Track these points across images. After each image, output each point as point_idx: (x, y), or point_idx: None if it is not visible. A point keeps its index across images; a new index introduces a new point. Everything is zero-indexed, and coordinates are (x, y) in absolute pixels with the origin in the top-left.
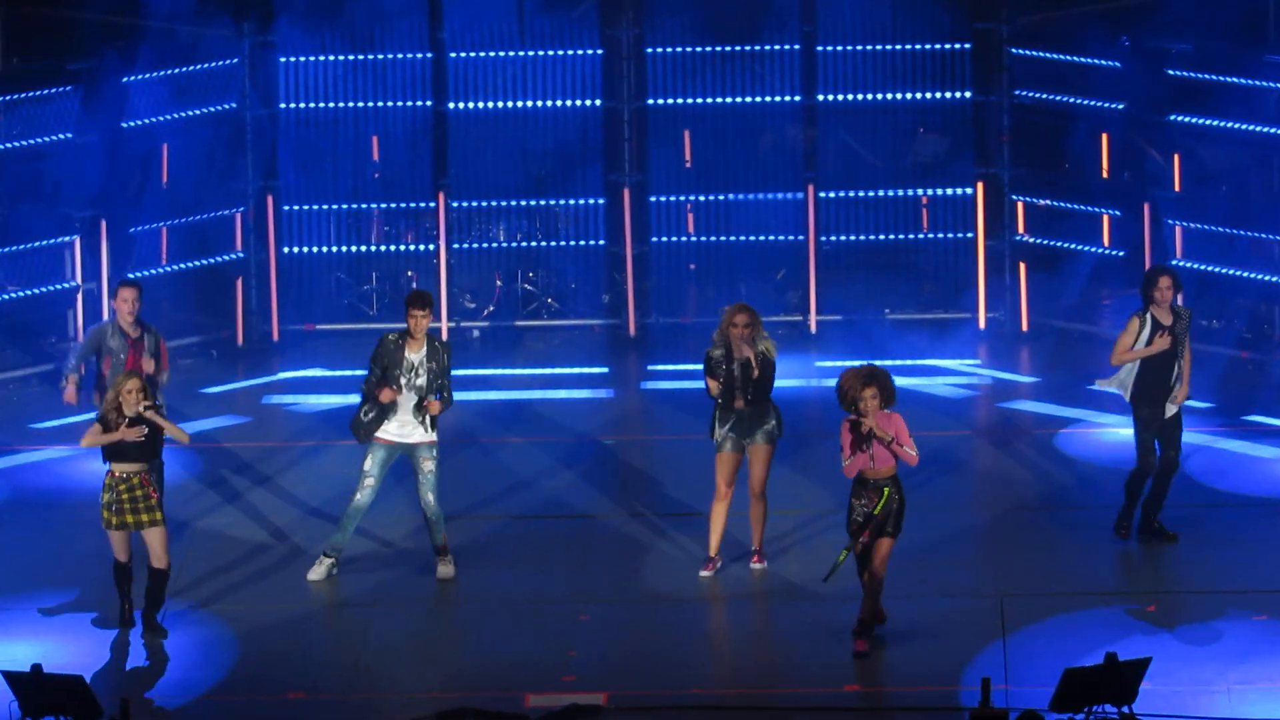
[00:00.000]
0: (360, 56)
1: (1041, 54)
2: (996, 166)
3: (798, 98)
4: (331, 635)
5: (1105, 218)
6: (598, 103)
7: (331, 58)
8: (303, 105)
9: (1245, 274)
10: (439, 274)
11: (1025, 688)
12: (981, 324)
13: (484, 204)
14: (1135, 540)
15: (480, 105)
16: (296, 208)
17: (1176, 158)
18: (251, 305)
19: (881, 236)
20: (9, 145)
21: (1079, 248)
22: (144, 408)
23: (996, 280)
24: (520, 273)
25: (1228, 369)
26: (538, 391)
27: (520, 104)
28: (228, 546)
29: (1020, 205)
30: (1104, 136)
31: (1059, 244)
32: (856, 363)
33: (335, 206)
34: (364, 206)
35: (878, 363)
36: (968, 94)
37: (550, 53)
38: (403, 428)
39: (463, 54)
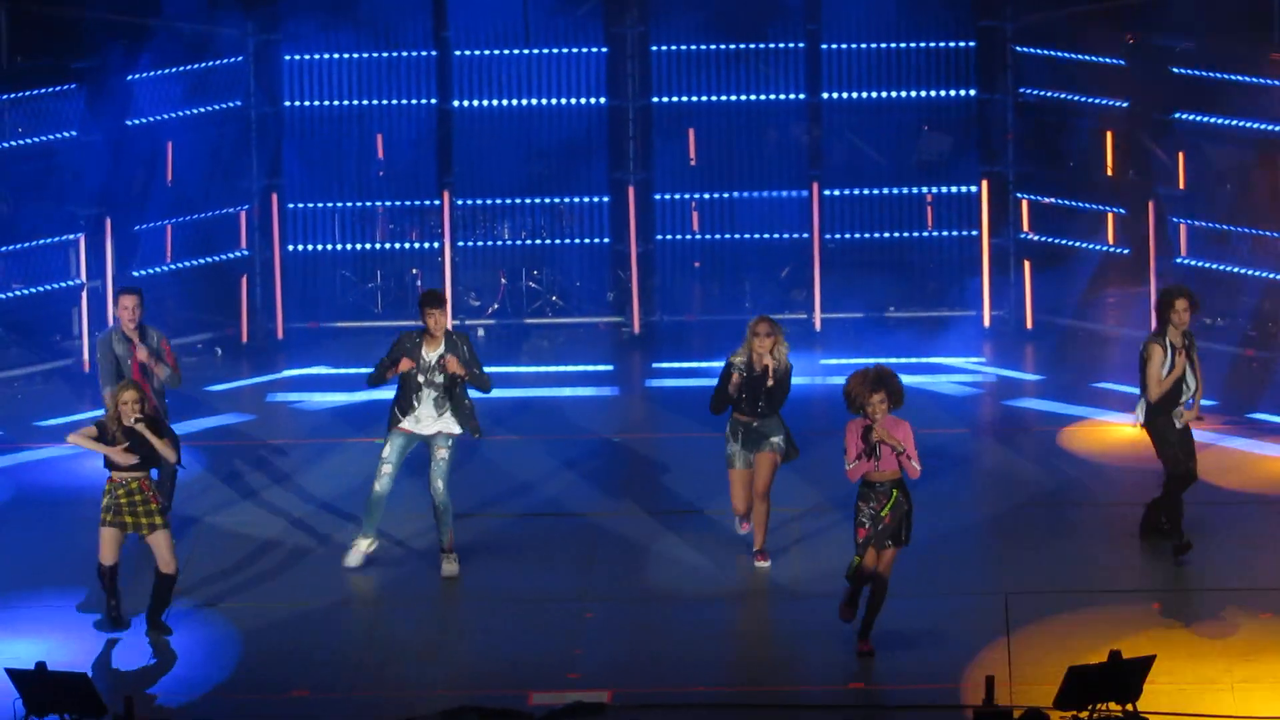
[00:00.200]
0: (365, 54)
1: (1046, 52)
2: (1001, 164)
3: (802, 96)
4: (335, 633)
5: (1110, 216)
6: (602, 101)
7: (336, 56)
8: (308, 103)
9: (1249, 272)
10: (444, 272)
11: (1029, 685)
12: (986, 322)
13: (489, 202)
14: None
15: (485, 103)
16: (301, 205)
17: (1181, 156)
18: (256, 303)
19: (886, 234)
20: (14, 143)
21: (1083, 246)
22: (135, 420)
23: (1001, 278)
24: (525, 271)
25: (1232, 367)
26: (542, 389)
27: (525, 102)
28: (232, 545)
29: (1025, 203)
30: (1108, 134)
31: (1063, 242)
32: (863, 361)
33: (340, 204)
34: (369, 204)
35: (881, 361)
36: (972, 92)
37: (555, 50)
38: (423, 421)
39: (467, 52)
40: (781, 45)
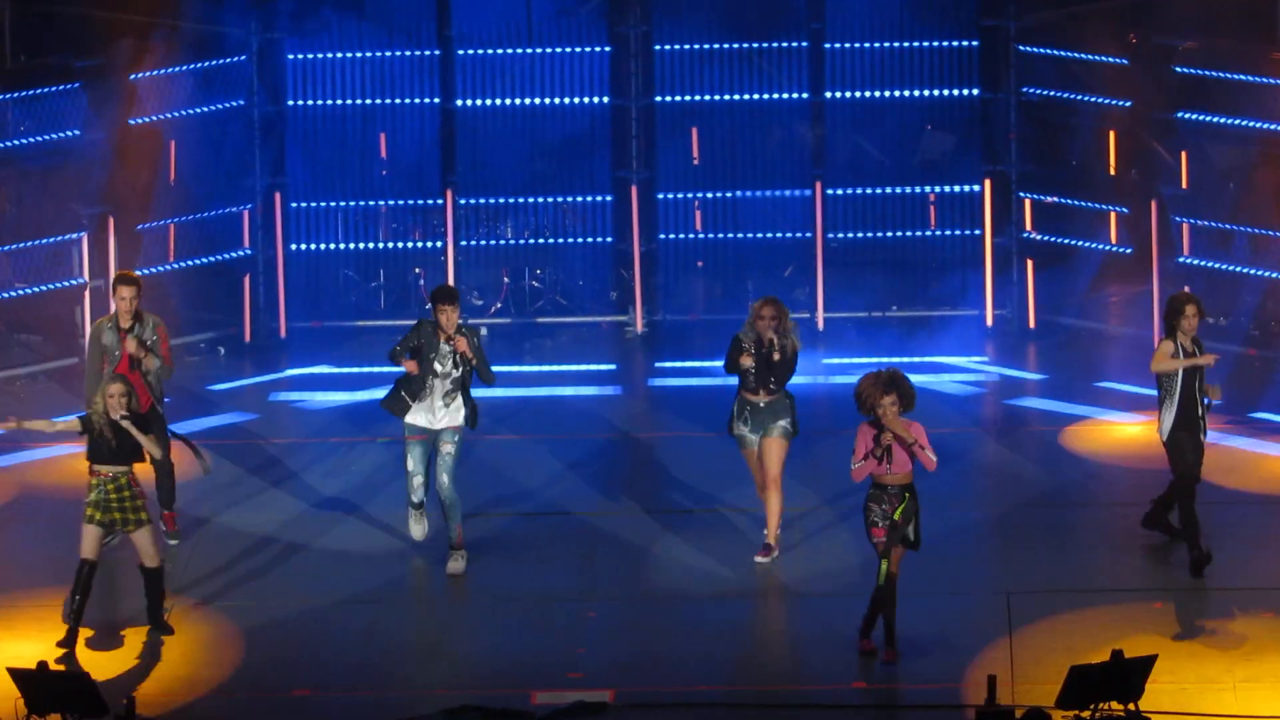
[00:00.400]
0: (369, 53)
1: (1049, 51)
2: (1004, 164)
3: (805, 95)
4: (337, 632)
5: (1112, 215)
6: (605, 100)
7: (340, 55)
8: (311, 102)
9: (1252, 271)
10: (447, 271)
11: (1031, 685)
12: (989, 321)
13: (492, 201)
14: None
15: (488, 102)
16: (304, 205)
17: (1184, 155)
18: (259, 302)
19: (889, 233)
20: (17, 142)
21: (1086, 245)
22: (122, 416)
23: (1004, 277)
24: (528, 270)
25: (1234, 366)
26: (545, 388)
27: (528, 101)
28: (233, 543)
29: (1028, 202)
30: (1111, 134)
31: (1066, 241)
32: (865, 360)
33: (343, 203)
34: (372, 203)
35: (883, 360)
36: (975, 91)
37: (558, 50)
38: (431, 415)
39: (471, 51)
40: (785, 44)
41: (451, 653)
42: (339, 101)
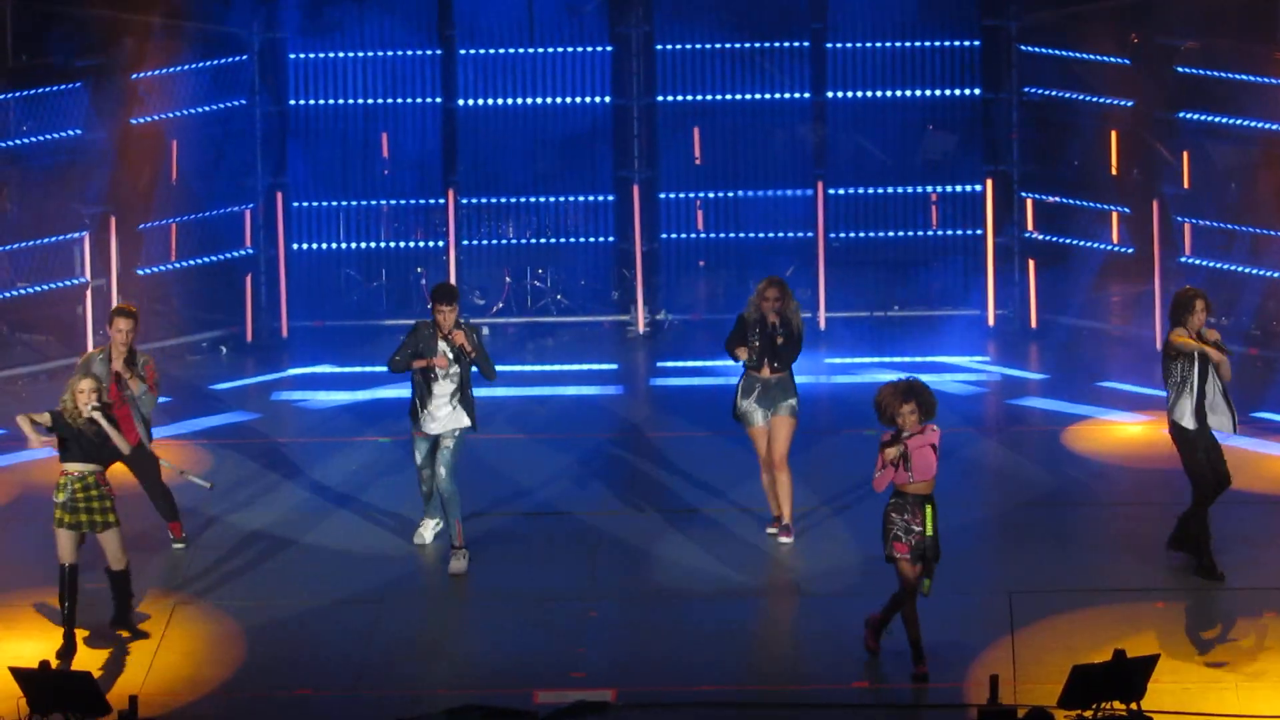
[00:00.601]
0: (370, 53)
1: (1050, 51)
2: (1005, 163)
3: (807, 95)
4: (339, 631)
5: (1114, 214)
6: (607, 99)
7: (342, 54)
8: (313, 101)
9: (1254, 271)
10: (448, 270)
11: (1033, 684)
12: (990, 321)
13: (493, 200)
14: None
15: (490, 102)
16: (306, 204)
17: (1185, 155)
18: (261, 302)
19: (890, 233)
20: (19, 142)
21: (1088, 244)
22: (92, 409)
23: (1005, 277)
24: (530, 269)
25: (1236, 366)
26: (547, 388)
27: (530, 101)
28: (236, 543)
29: (1029, 202)
30: (1113, 133)
31: (1068, 241)
32: (866, 360)
33: (345, 203)
34: (373, 203)
35: (885, 359)
36: (977, 91)
37: (560, 49)
38: (439, 417)
39: (472, 51)
40: (786, 44)
41: (453, 652)
42: (341, 101)
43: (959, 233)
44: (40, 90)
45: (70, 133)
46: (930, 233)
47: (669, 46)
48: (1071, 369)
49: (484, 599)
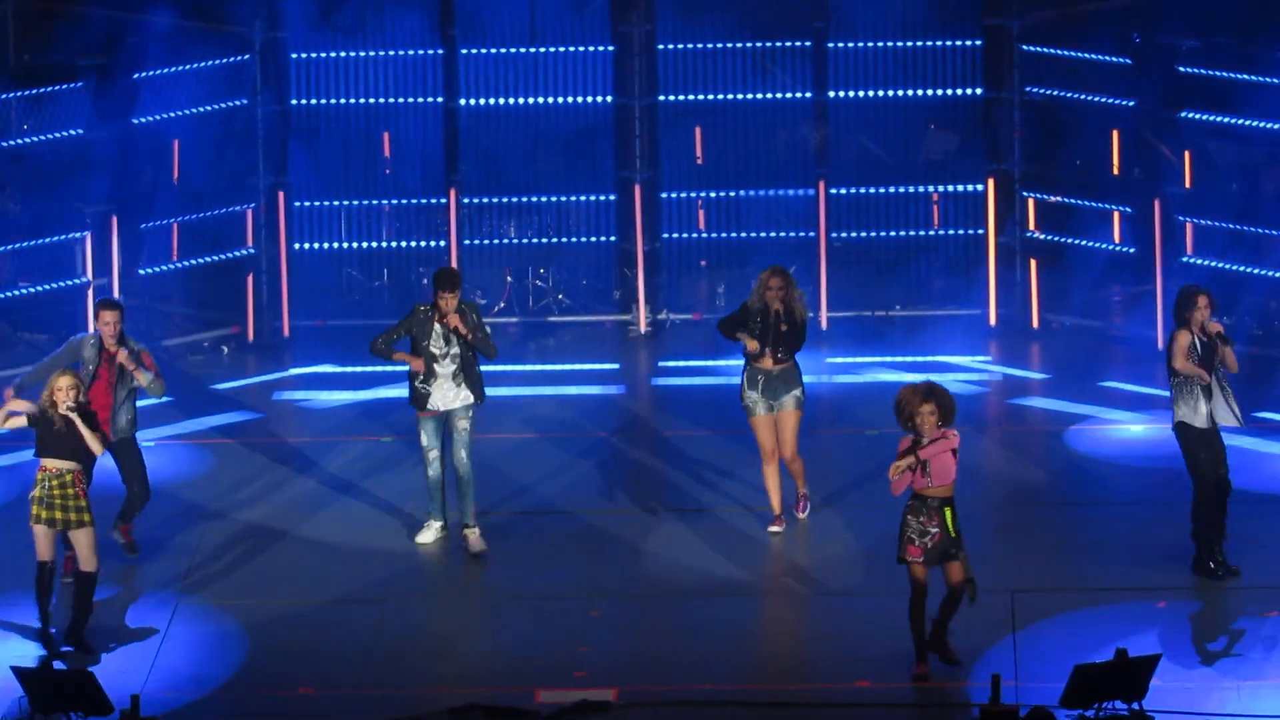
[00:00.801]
0: (372, 53)
1: (1052, 50)
2: (1007, 163)
3: (809, 94)
4: (342, 630)
5: (1116, 214)
6: (609, 99)
7: (343, 54)
8: (314, 101)
9: (1256, 270)
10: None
11: (1035, 684)
12: (992, 320)
13: (495, 200)
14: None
15: (491, 101)
16: (308, 204)
17: (1187, 154)
18: (262, 301)
19: (892, 233)
20: (21, 141)
21: (1090, 244)
22: (68, 407)
23: (1007, 276)
24: (531, 269)
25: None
26: (548, 387)
27: (532, 100)
28: (238, 541)
29: (1031, 201)
30: (1115, 133)
31: (1070, 240)
32: (868, 359)
33: (346, 202)
34: (375, 202)
35: (886, 359)
36: (978, 90)
37: (561, 49)
38: (445, 395)
39: (474, 50)
40: (788, 43)
41: (455, 651)
42: (343, 100)
43: (960, 232)
44: (42, 89)
45: (72, 132)
46: (932, 232)
47: (671, 46)
48: (1073, 369)
49: (486, 598)
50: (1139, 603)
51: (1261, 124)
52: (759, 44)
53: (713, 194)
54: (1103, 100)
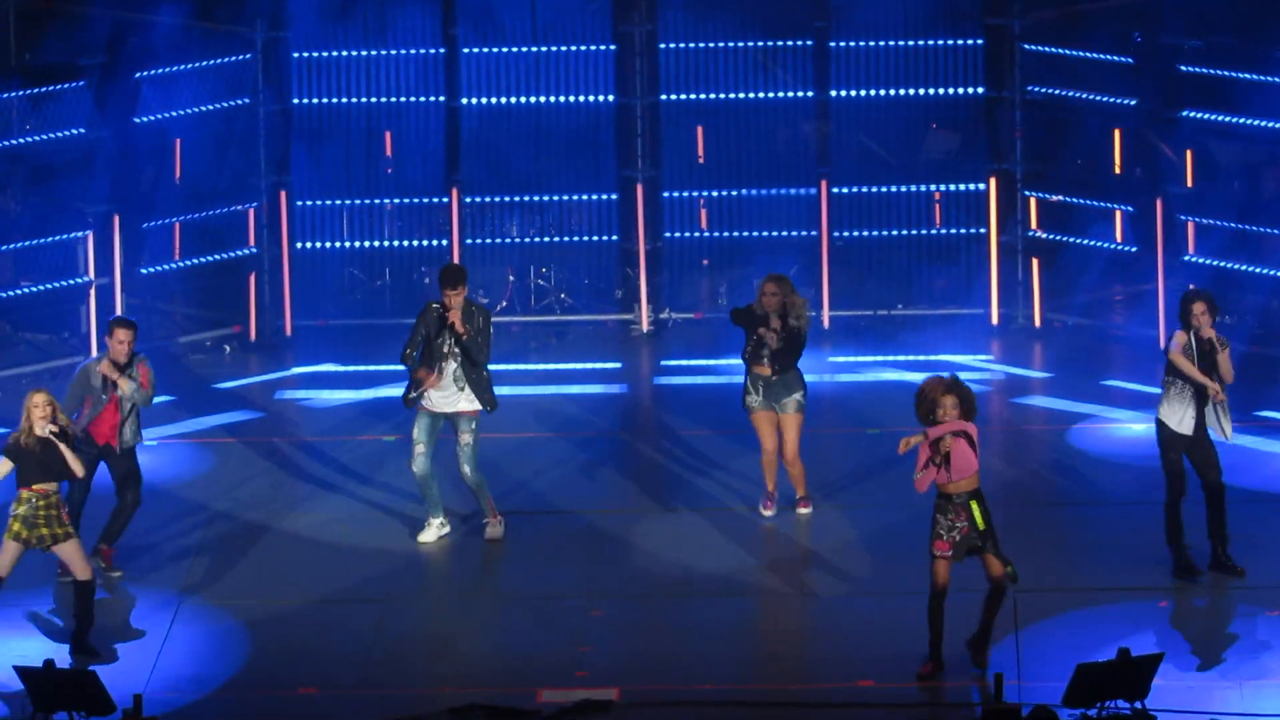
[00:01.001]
0: (374, 52)
1: (1054, 50)
2: (1009, 162)
3: (810, 93)
4: (344, 630)
5: (1118, 213)
6: (611, 98)
7: (345, 53)
8: (316, 101)
9: (1257, 270)
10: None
11: (1038, 683)
12: (994, 319)
13: (497, 199)
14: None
15: (493, 101)
16: (309, 203)
17: (1189, 153)
18: (264, 300)
19: (894, 232)
20: (22, 140)
21: (1091, 243)
22: (49, 431)
23: (1009, 276)
24: (533, 268)
25: (1239, 364)
26: (550, 387)
27: (533, 99)
28: (239, 541)
29: (1033, 201)
30: (1116, 132)
31: (1071, 239)
32: (870, 359)
33: (348, 202)
34: (377, 202)
35: (888, 358)
36: (980, 90)
37: (563, 48)
38: (445, 396)
39: (475, 49)
40: (790, 43)
41: (457, 651)
42: (345, 100)
43: (962, 231)
44: (44, 89)
45: (74, 131)
46: (934, 231)
47: (672, 45)
48: (1075, 368)
49: (488, 598)
50: (1141, 602)
51: (1263, 123)
52: (761, 43)
53: (714, 193)
54: (1104, 99)
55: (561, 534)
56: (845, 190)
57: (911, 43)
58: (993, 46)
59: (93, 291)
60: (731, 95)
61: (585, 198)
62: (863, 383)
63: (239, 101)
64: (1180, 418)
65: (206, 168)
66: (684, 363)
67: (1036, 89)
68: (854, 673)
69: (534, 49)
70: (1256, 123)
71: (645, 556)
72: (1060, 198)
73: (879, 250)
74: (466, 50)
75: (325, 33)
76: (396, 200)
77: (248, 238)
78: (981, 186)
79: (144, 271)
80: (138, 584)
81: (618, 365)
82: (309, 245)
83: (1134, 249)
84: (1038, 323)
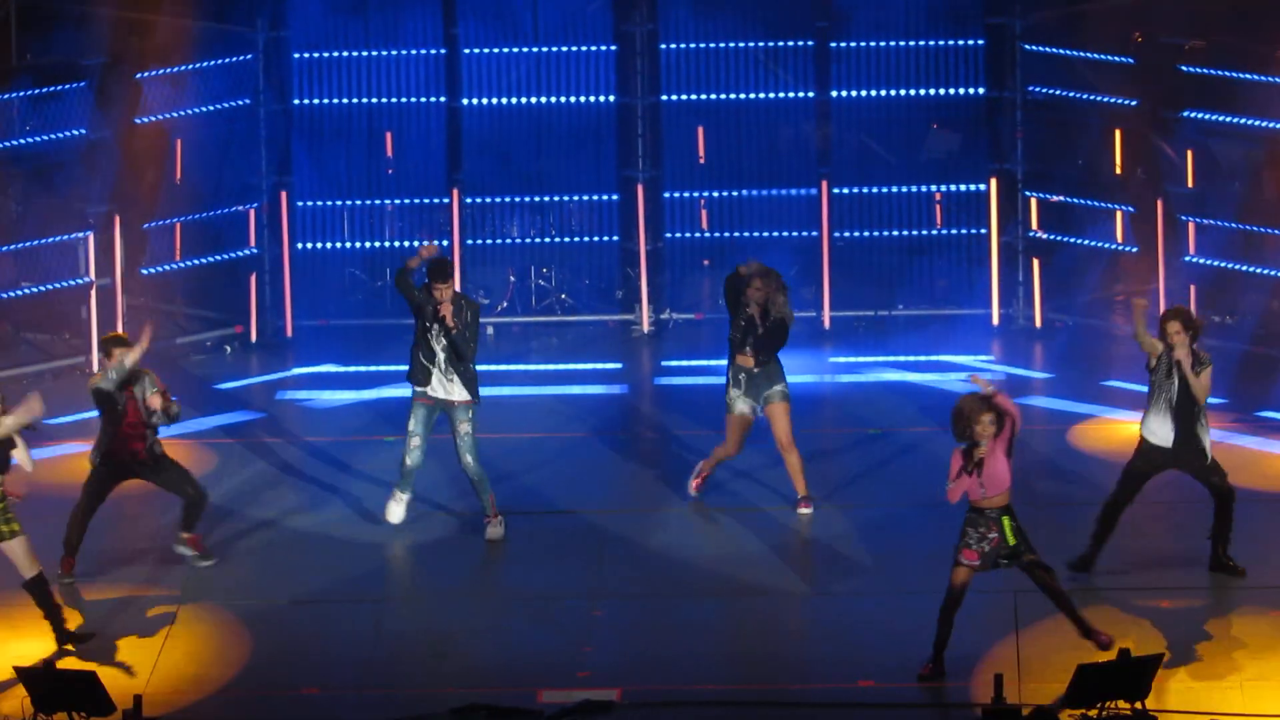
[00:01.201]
0: (374, 52)
1: (1054, 50)
2: (1010, 162)
3: (811, 94)
4: (345, 630)
5: (1118, 214)
6: (611, 99)
7: (346, 53)
8: (317, 101)
9: (1258, 270)
10: (453, 270)
11: (1038, 683)
12: (995, 320)
13: (498, 200)
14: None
15: (494, 101)
16: (310, 203)
17: (1189, 154)
18: (265, 301)
19: (895, 232)
20: (23, 141)
21: (1092, 244)
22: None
23: (1010, 276)
24: (534, 268)
25: (1240, 365)
26: (551, 387)
27: (534, 100)
28: (240, 541)
29: (1034, 201)
30: (1117, 132)
31: (1072, 240)
32: (870, 359)
33: (349, 202)
34: (378, 202)
35: (889, 358)
36: (981, 90)
37: (564, 49)
38: (439, 384)
39: (476, 50)
40: (791, 43)
41: (458, 651)
42: (346, 100)
43: (963, 231)
44: (45, 89)
45: (75, 132)
46: (934, 232)
47: (673, 45)
48: (1076, 368)
49: (489, 598)
50: (1141, 602)
51: (1264, 123)
52: (762, 44)
53: (715, 193)
54: (1105, 100)
55: (563, 534)
56: (846, 190)
57: (912, 43)
58: (994, 46)
59: (93, 292)
60: (732, 95)
61: (586, 198)
62: (863, 383)
63: (240, 102)
64: (1156, 430)
65: (207, 168)
66: (684, 363)
67: (1037, 89)
68: (855, 673)
69: (535, 49)
70: (1257, 123)
71: (646, 556)
72: (1061, 198)
73: (880, 250)
74: (468, 50)
75: (326, 33)
76: (397, 200)
77: (249, 238)
78: (982, 186)
79: (145, 272)
80: (138, 585)
81: (618, 365)
82: (310, 245)
83: (1135, 249)
84: (1038, 323)
